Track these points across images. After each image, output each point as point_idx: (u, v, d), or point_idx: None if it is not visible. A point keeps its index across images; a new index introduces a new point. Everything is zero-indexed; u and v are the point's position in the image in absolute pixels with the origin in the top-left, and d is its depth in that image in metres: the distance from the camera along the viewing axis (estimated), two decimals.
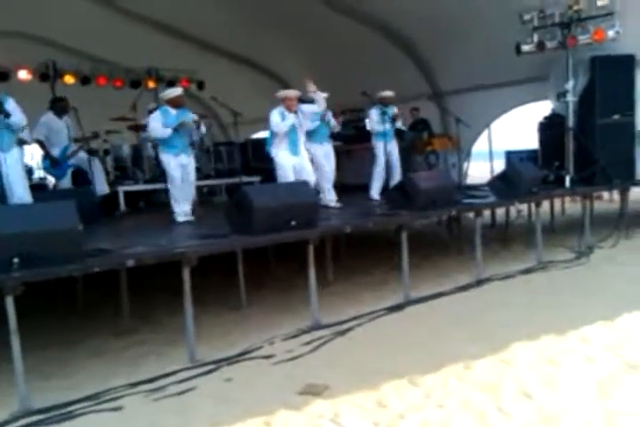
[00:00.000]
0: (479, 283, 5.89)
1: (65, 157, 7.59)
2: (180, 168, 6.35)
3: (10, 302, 3.45)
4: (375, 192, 7.80)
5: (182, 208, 6.46)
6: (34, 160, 10.90)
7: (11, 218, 3.71)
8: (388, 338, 4.45)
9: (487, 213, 8.36)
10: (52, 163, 7.59)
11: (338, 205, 6.93)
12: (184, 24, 11.25)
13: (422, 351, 4.05)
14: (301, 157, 6.53)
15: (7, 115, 5.36)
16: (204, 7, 10.28)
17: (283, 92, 6.55)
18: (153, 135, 6.48)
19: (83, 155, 7.72)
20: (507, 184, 6.65)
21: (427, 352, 4.02)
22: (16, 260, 3.50)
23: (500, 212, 8.73)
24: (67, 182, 7.69)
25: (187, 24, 11.20)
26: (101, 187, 7.68)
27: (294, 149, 6.46)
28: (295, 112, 6.42)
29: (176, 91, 6.62)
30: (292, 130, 6.41)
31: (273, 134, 6.49)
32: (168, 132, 6.21)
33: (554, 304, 4.98)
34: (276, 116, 6.35)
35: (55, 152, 7.58)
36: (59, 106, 7.70)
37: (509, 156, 9.60)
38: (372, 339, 4.47)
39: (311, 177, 6.46)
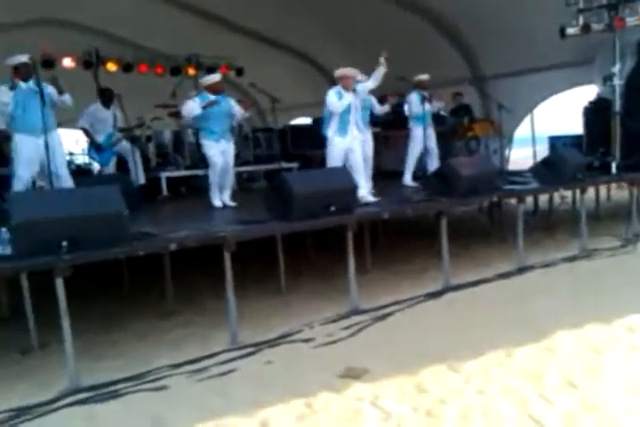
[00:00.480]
0: (520, 270, 5.80)
1: (110, 144, 7.84)
2: (221, 154, 6.44)
3: (60, 284, 3.56)
4: (409, 178, 7.76)
5: (221, 194, 6.57)
6: (79, 146, 11.19)
7: (59, 202, 3.82)
8: (427, 324, 4.44)
9: (530, 199, 8.19)
10: (96, 149, 7.86)
11: (370, 199, 6.09)
12: (223, 10, 11.29)
13: (462, 338, 4.03)
14: (353, 138, 6.23)
15: (61, 91, 5.68)
16: None
17: (340, 71, 6.22)
18: (185, 114, 6.49)
19: (126, 144, 7.94)
20: (550, 170, 6.50)
21: (467, 339, 4.00)
22: (64, 243, 3.60)
23: (544, 198, 8.55)
24: (111, 169, 7.93)
25: (226, 10, 11.24)
26: (139, 177, 7.93)
27: (344, 130, 6.17)
28: (354, 91, 6.14)
29: (215, 77, 6.68)
30: (347, 110, 6.14)
31: (329, 115, 6.23)
32: (197, 109, 6.27)
33: (598, 292, 4.89)
34: (332, 95, 6.08)
35: (100, 139, 7.84)
36: (105, 96, 7.98)
37: (553, 141, 9.40)
38: (412, 325, 4.46)
39: (360, 160, 6.25)
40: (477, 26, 9.68)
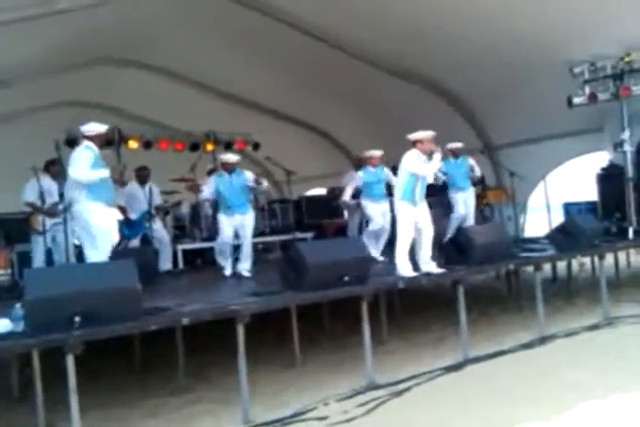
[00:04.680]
0: (542, 340, 5.63)
1: (141, 221, 7.98)
2: (233, 226, 6.67)
3: (70, 361, 3.52)
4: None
5: (239, 264, 6.74)
6: None
7: (73, 277, 3.86)
8: (446, 400, 4.27)
9: (548, 267, 8.09)
10: (127, 224, 7.99)
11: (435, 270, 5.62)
12: (240, 90, 11.83)
13: (483, 415, 3.86)
14: (421, 209, 5.60)
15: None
16: (261, 75, 10.84)
17: (417, 134, 5.57)
18: (203, 198, 6.97)
19: (162, 231, 8.11)
20: (567, 237, 6.48)
21: (488, 416, 3.83)
22: (77, 318, 3.60)
23: (562, 265, 8.43)
24: (135, 242, 8.04)
25: (242, 89, 11.78)
26: (167, 264, 8.02)
27: (416, 199, 5.54)
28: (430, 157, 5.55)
29: (230, 158, 6.99)
30: (425, 177, 5.58)
31: (410, 179, 5.52)
32: (208, 194, 6.87)
33: (623, 362, 4.69)
34: (413, 157, 5.49)
35: (134, 216, 8.00)
36: (140, 175, 8.20)
37: (568, 208, 9.40)
38: (430, 400, 4.29)
39: (430, 231, 5.61)
40: (485, 96, 9.96)
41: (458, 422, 3.78)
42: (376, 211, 7.34)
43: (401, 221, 5.57)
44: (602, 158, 9.27)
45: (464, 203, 8.06)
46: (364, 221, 8.48)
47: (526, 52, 8.29)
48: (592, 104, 7.98)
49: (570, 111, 8.30)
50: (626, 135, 7.66)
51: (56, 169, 6.94)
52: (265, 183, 7.05)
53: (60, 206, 6.59)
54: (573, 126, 9.28)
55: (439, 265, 5.66)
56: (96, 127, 5.57)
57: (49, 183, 6.93)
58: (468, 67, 9.10)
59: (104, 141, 5.62)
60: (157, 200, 8.33)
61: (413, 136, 5.58)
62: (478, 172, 8.25)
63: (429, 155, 5.52)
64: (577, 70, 8.09)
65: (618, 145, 7.83)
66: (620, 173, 7.90)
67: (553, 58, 8.16)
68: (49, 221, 6.72)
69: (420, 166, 5.47)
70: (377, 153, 7.41)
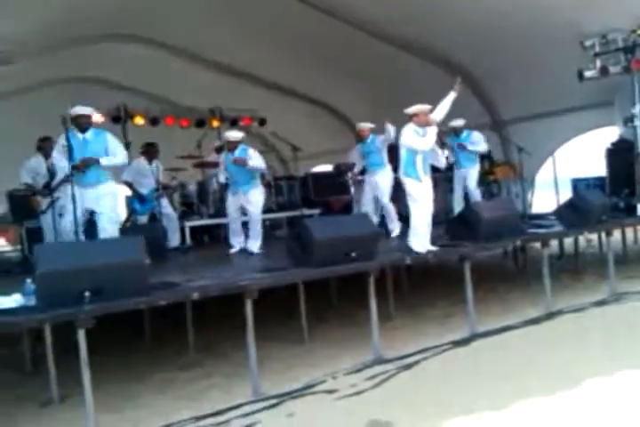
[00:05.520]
0: (549, 316, 5.65)
1: (151, 197, 7.96)
2: (238, 204, 6.82)
3: (82, 336, 3.56)
4: None
5: (237, 242, 6.97)
6: None
7: (83, 252, 3.88)
8: (453, 374, 4.31)
9: (555, 243, 8.07)
10: (139, 200, 7.98)
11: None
12: (244, 64, 11.69)
13: (491, 388, 3.89)
14: (425, 184, 5.54)
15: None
16: (267, 50, 10.70)
17: (413, 108, 5.49)
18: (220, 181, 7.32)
19: (169, 208, 8.06)
20: (574, 213, 6.44)
21: (496, 389, 3.86)
22: (87, 293, 3.63)
23: (569, 242, 8.41)
24: (144, 219, 8.05)
25: (246, 64, 11.65)
26: (175, 240, 7.96)
27: (419, 174, 5.47)
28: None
29: (230, 135, 6.95)
30: (425, 151, 5.49)
31: (408, 155, 5.48)
32: (222, 177, 7.16)
33: (631, 338, 4.71)
34: (409, 133, 5.43)
35: (145, 191, 7.99)
36: (149, 151, 8.09)
37: (576, 183, 9.33)
38: (438, 374, 4.34)
39: (430, 207, 5.59)
40: (494, 72, 9.81)
41: (464, 395, 3.81)
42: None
43: (411, 197, 5.54)
44: (611, 133, 9.17)
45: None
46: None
47: (535, 24, 8.12)
48: (603, 77, 7.85)
49: (579, 85, 8.17)
50: (636, 110, 7.56)
51: (46, 146, 6.94)
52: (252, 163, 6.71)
53: (54, 183, 6.64)
54: (583, 101, 9.15)
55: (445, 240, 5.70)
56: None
57: (39, 161, 6.99)
58: (478, 41, 8.94)
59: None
60: (160, 178, 8.28)
61: (410, 110, 5.52)
62: (482, 147, 8.21)
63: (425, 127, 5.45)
64: (588, 43, 7.95)
65: (628, 120, 7.74)
66: (629, 149, 7.82)
67: (563, 30, 8.00)
68: (45, 201, 6.74)
69: (417, 141, 5.41)
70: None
